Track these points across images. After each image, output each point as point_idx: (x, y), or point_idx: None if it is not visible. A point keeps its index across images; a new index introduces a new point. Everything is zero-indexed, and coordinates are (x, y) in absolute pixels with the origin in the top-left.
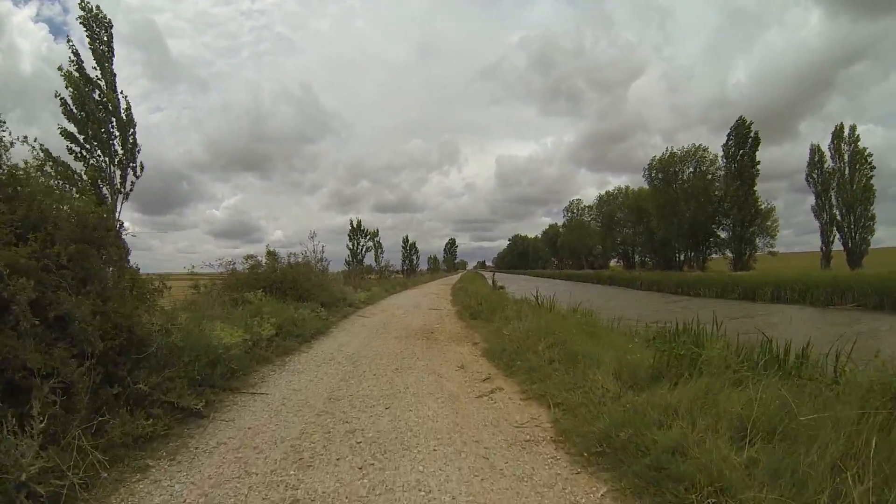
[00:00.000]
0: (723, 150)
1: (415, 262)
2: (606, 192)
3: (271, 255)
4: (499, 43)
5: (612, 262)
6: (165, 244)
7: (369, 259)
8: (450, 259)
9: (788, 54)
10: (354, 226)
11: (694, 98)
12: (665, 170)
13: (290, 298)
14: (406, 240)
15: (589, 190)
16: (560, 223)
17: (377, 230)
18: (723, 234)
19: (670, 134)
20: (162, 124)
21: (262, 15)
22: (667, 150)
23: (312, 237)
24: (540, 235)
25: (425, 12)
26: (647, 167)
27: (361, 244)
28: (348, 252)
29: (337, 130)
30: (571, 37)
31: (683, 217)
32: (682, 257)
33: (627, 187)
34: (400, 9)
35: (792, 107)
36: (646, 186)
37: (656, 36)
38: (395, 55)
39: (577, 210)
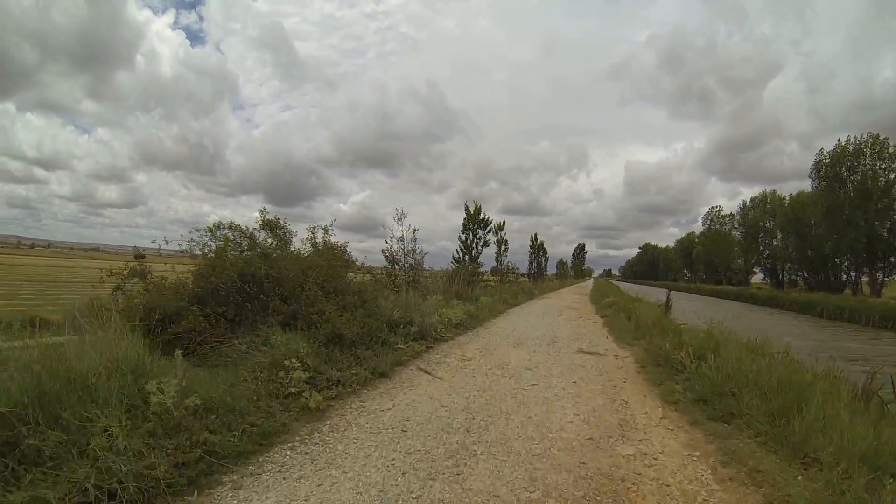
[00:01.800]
0: None
1: (542, 265)
2: (752, 198)
3: (270, 225)
4: (625, 41)
5: (755, 279)
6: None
7: (487, 258)
8: (578, 265)
9: None
10: (471, 213)
11: (834, 99)
12: (836, 166)
13: (272, 321)
14: (534, 238)
15: (719, 200)
16: (696, 233)
17: (503, 222)
18: None
19: (808, 140)
20: (291, 122)
21: (387, 16)
22: (838, 141)
23: (400, 219)
24: (672, 245)
25: (549, 11)
26: (813, 164)
27: (479, 236)
28: (459, 245)
29: (464, 130)
30: (702, 33)
31: (860, 226)
32: (847, 277)
33: (774, 192)
34: (523, 8)
35: None
36: (797, 192)
37: (794, 29)
38: (519, 55)
39: (717, 219)
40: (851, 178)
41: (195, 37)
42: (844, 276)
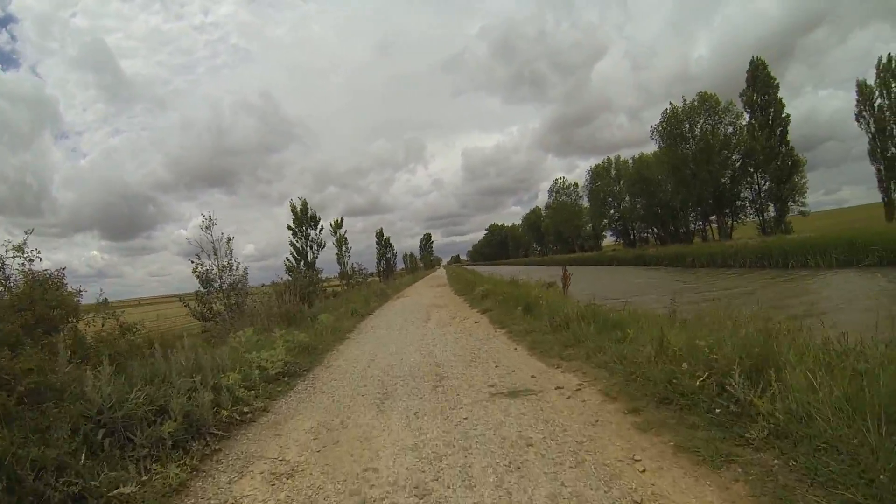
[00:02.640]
0: (742, 99)
1: (391, 261)
2: (596, 165)
3: None
4: (459, 34)
5: (607, 242)
6: (137, 269)
7: (330, 263)
8: (427, 256)
9: (748, 25)
10: (297, 211)
11: (657, 74)
12: (679, 125)
13: None
14: (380, 234)
15: (557, 174)
16: (541, 207)
17: (340, 219)
18: (746, 195)
19: (635, 112)
20: (122, 148)
21: (216, 28)
22: (670, 104)
23: (209, 227)
24: (519, 222)
25: (382, 10)
26: (654, 126)
27: (311, 237)
28: (290, 251)
29: (301, 138)
30: (532, 22)
31: (706, 178)
32: (694, 227)
33: (619, 156)
34: (356, 10)
35: None
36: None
37: (618, 14)
38: (354, 57)
39: (563, 189)
40: (692, 134)
41: (7, 59)
42: (692, 226)
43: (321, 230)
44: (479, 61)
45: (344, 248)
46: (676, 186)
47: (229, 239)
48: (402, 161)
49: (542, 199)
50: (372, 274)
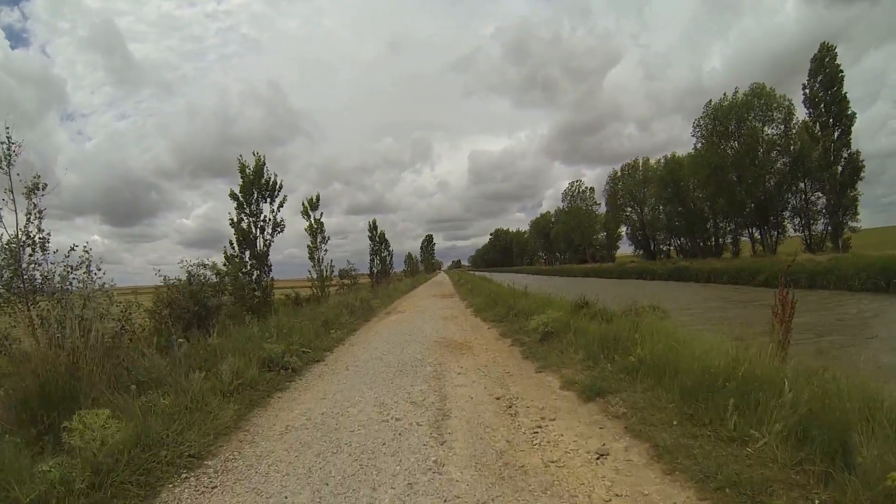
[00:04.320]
0: (804, 93)
1: (388, 261)
2: (622, 166)
3: None
4: (472, 35)
5: (620, 252)
6: (136, 256)
7: (293, 252)
8: (428, 258)
9: (763, 40)
10: (249, 174)
11: (669, 86)
12: (726, 120)
13: None
14: (373, 226)
15: (563, 183)
16: (551, 212)
17: (316, 197)
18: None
19: (645, 123)
20: (128, 132)
21: (228, 16)
22: (724, 95)
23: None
24: (524, 229)
25: (396, 8)
26: (696, 122)
27: (265, 216)
28: (232, 238)
29: (307, 132)
30: (548, 25)
31: (750, 183)
32: (725, 240)
33: (647, 159)
34: (370, 5)
35: None
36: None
37: (634, 23)
38: (365, 53)
39: (578, 193)
40: (738, 131)
41: (17, 37)
42: (722, 239)
43: (282, 204)
44: (492, 62)
45: (319, 239)
46: (715, 191)
47: (38, 184)
48: (409, 161)
49: (546, 207)
50: (362, 275)
